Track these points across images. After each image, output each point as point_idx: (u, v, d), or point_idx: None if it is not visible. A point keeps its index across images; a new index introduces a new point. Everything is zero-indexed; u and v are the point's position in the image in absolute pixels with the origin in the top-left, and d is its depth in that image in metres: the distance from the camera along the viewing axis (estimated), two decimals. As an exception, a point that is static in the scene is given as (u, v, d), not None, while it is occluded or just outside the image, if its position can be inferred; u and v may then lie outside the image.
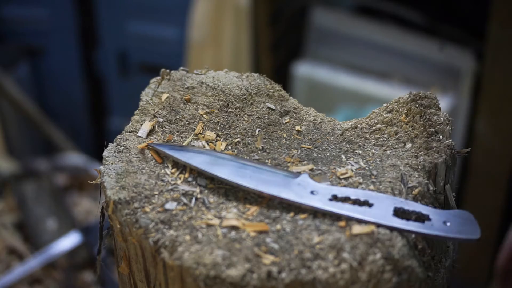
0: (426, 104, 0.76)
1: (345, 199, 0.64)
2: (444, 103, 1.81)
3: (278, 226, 0.62)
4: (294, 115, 0.78)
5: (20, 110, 2.34)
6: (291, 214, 0.63)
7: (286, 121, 0.77)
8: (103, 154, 0.71)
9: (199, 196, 0.65)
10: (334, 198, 0.64)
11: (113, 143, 0.73)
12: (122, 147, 0.72)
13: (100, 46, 2.66)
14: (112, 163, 0.69)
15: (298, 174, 0.67)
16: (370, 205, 0.63)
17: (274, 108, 0.78)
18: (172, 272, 0.60)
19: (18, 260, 1.89)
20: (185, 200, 0.64)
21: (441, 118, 0.72)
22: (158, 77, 0.83)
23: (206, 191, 0.66)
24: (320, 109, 0.82)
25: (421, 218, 0.62)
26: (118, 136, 0.74)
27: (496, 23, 1.71)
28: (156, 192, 0.65)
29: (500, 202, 1.88)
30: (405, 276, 0.58)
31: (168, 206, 0.64)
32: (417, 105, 0.76)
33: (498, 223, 1.85)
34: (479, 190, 1.91)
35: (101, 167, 0.69)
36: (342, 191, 0.64)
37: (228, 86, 0.81)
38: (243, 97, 0.79)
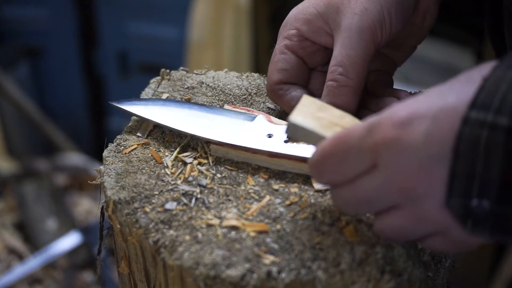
0: (426, 104, 0.76)
1: None
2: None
3: (278, 226, 0.62)
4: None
5: (20, 110, 2.34)
6: (291, 214, 0.63)
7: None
8: (103, 154, 0.71)
9: (199, 196, 0.65)
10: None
11: (113, 143, 0.73)
12: (122, 147, 0.72)
13: (100, 46, 2.66)
14: (112, 163, 0.69)
15: (255, 116, 0.72)
16: None
17: (274, 108, 0.78)
18: (172, 272, 0.60)
19: (18, 260, 1.89)
20: (185, 200, 0.64)
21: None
22: (158, 77, 0.83)
23: (206, 191, 0.66)
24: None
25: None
26: (118, 136, 0.74)
27: (496, 23, 1.70)
28: (156, 192, 0.65)
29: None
30: (405, 277, 0.58)
31: (168, 206, 0.64)
32: (417, 105, 0.76)
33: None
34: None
35: (101, 167, 0.69)
36: None
37: (228, 86, 0.81)
38: (243, 97, 0.79)
